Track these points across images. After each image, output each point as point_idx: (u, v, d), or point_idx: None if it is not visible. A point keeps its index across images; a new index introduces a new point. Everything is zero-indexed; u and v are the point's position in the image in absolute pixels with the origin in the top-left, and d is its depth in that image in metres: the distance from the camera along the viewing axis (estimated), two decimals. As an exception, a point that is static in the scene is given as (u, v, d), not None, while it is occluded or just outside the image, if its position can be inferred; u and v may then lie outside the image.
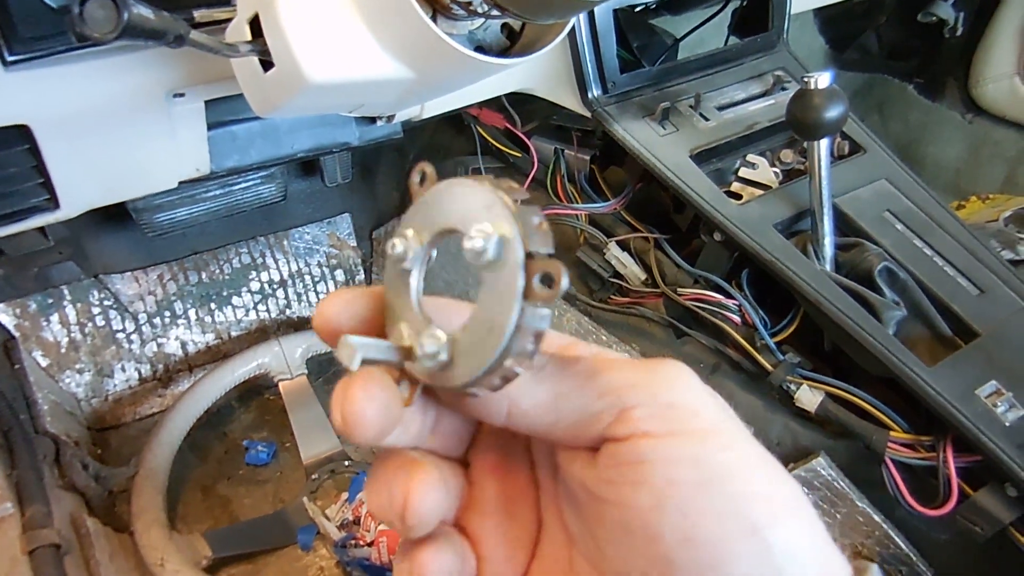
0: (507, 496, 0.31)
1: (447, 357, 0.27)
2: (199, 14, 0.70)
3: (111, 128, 0.82)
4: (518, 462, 0.32)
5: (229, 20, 0.67)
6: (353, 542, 1.20)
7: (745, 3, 1.30)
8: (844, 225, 1.03)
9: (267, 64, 0.64)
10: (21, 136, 0.77)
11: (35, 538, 0.95)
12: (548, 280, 0.25)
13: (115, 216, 1.36)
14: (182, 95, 0.84)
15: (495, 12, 0.58)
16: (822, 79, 0.94)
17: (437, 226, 0.28)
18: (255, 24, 0.63)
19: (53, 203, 0.84)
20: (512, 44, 0.69)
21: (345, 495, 1.29)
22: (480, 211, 0.27)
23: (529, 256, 0.25)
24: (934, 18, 1.68)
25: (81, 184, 0.85)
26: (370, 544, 1.18)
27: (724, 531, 0.25)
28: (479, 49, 0.62)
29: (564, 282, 0.25)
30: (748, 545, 0.25)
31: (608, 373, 0.28)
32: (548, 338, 0.30)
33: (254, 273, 1.54)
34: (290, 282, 1.58)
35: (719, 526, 0.25)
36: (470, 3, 0.60)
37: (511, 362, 0.26)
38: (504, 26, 0.69)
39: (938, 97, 1.81)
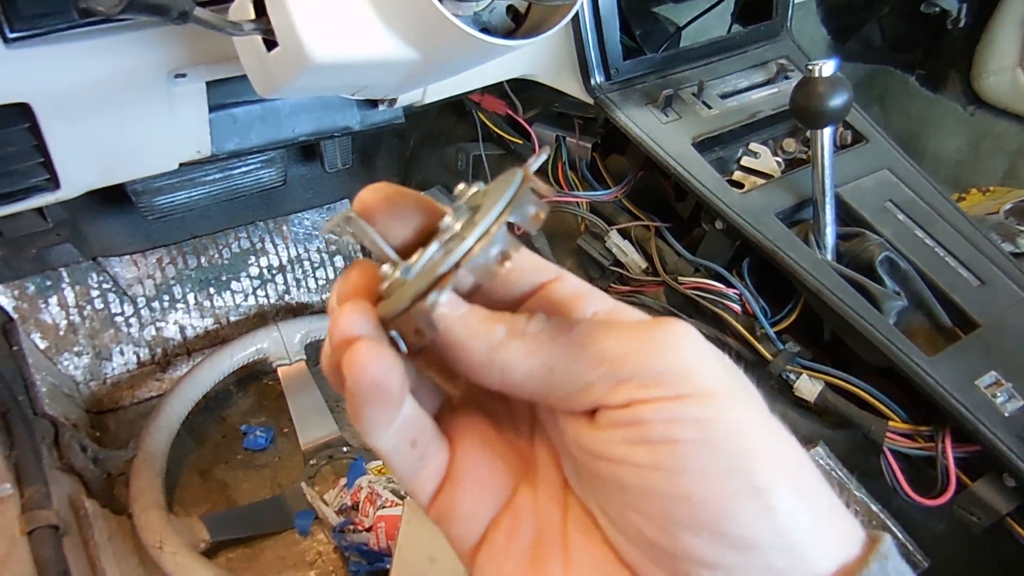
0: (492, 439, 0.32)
1: (385, 287, 0.28)
2: (202, -8, 0.70)
3: (112, 108, 0.81)
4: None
5: (232, -1, 0.67)
6: (351, 527, 1.20)
7: (749, -9, 1.30)
8: (846, 215, 1.03)
9: (270, 43, 0.64)
10: (21, 114, 0.76)
11: (34, 519, 0.95)
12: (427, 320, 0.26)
13: (114, 199, 1.35)
14: (184, 75, 0.84)
15: (501, -7, 0.58)
16: (827, 67, 0.94)
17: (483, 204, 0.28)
18: (259, 2, 0.63)
19: (53, 183, 0.83)
20: (517, 26, 0.69)
21: (343, 480, 1.29)
22: (491, 205, 0.27)
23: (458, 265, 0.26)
24: (937, 9, 1.68)
25: (82, 164, 0.85)
26: (368, 529, 1.18)
27: (725, 490, 0.24)
28: (484, 31, 0.62)
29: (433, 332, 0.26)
30: (750, 505, 0.24)
31: (601, 342, 0.27)
32: (565, 282, 0.30)
33: (253, 258, 1.54)
34: (289, 267, 1.57)
35: (720, 485, 0.24)
36: (476, -16, 0.60)
37: (419, 321, 0.26)
38: (509, 8, 0.68)
39: (940, 89, 1.80)
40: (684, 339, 0.27)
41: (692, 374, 0.26)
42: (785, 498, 0.25)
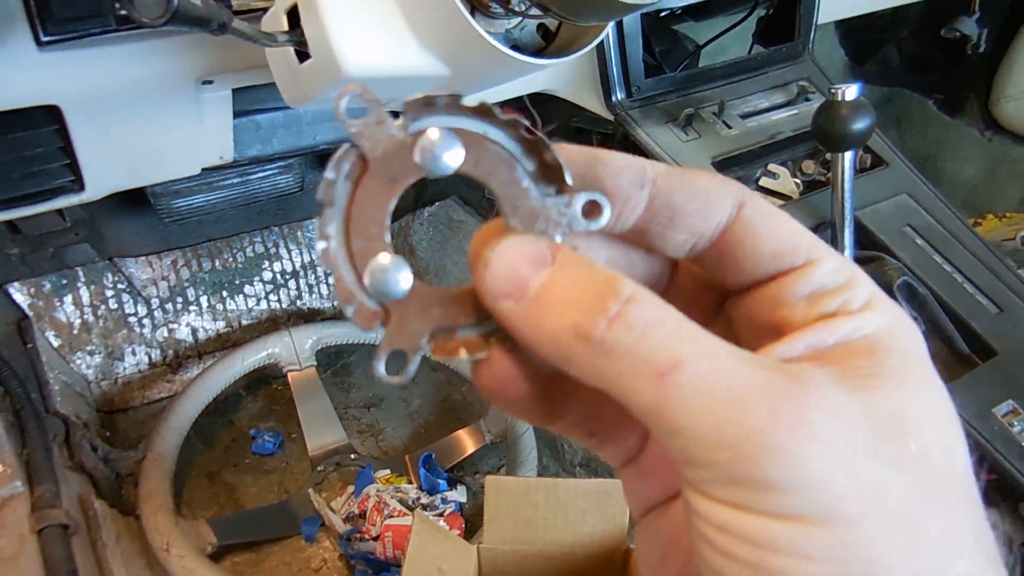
0: None
1: None
2: (236, 1, 0.70)
3: (140, 112, 0.82)
4: None
5: (265, 9, 0.67)
6: (358, 535, 1.20)
7: (770, 11, 1.30)
8: (864, 238, 1.03)
9: (303, 55, 0.64)
10: (51, 117, 0.77)
11: (44, 517, 0.96)
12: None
13: (132, 200, 1.35)
14: (211, 82, 0.85)
15: (534, 11, 0.58)
16: (850, 91, 0.94)
17: None
18: (292, 14, 0.63)
19: (79, 185, 0.84)
20: (547, 44, 0.69)
21: (351, 488, 1.29)
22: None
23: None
24: (957, 34, 1.68)
25: (107, 167, 0.86)
26: (375, 538, 1.18)
27: None
28: (515, 48, 0.62)
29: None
30: None
31: (685, 415, 0.19)
32: (814, 271, 0.23)
33: (267, 263, 1.54)
34: (302, 273, 1.58)
35: None
36: (509, 1, 0.60)
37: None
38: (540, 26, 0.69)
39: (958, 113, 1.81)
40: (817, 432, 0.19)
41: (818, 488, 0.19)
42: None
